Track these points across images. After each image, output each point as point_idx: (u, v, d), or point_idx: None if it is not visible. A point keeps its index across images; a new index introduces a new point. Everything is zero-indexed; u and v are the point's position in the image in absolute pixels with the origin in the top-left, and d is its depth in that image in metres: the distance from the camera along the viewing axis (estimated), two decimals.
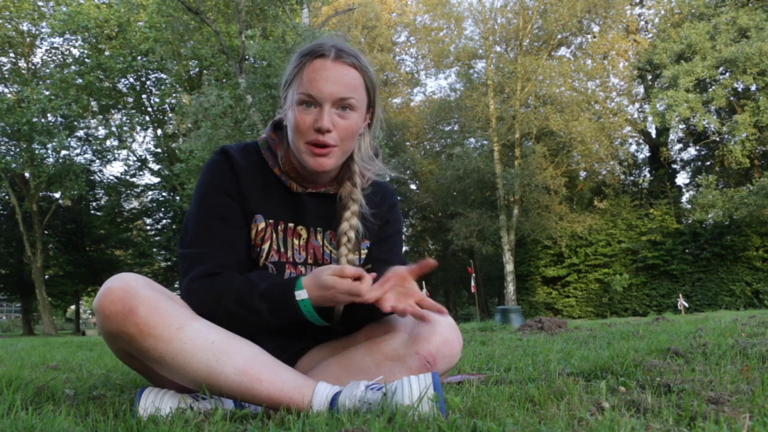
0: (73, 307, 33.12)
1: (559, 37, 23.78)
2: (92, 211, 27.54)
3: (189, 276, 1.40)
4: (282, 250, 1.52)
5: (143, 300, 1.24)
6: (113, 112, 23.68)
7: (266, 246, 1.49)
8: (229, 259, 1.44)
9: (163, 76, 22.04)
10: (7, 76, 21.78)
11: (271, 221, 1.51)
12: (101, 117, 22.99)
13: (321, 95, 1.40)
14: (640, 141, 27.16)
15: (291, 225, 1.54)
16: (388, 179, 1.67)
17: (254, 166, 1.51)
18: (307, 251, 1.54)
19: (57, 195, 23.60)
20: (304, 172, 1.52)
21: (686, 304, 17.08)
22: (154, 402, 1.29)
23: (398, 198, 1.70)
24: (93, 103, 22.07)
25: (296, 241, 1.54)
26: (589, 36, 24.67)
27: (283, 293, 1.36)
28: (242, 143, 1.55)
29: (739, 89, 21.47)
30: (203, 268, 1.40)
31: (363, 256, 1.60)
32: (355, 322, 1.56)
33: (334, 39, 1.49)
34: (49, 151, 20.69)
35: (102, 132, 23.15)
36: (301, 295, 1.35)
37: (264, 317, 1.36)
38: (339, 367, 1.45)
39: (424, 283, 15.08)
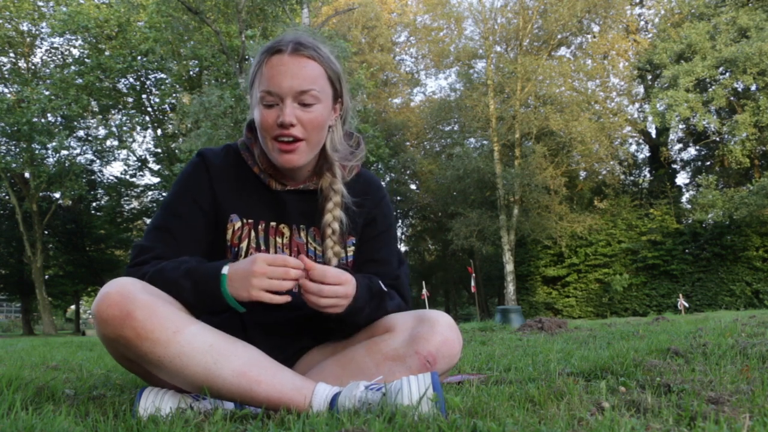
0: (73, 307, 33.11)
1: (559, 37, 23.77)
2: (92, 211, 27.52)
3: (128, 264, 1.45)
4: (263, 247, 1.51)
5: (140, 304, 1.24)
6: (113, 112, 23.67)
7: (244, 245, 1.50)
8: (171, 254, 1.45)
9: (163, 76, 22.03)
10: (7, 76, 21.77)
11: (249, 221, 1.51)
12: (101, 117, 22.98)
13: (280, 90, 1.40)
14: (640, 141, 27.16)
15: (273, 224, 1.54)
16: (364, 156, 1.65)
17: (232, 167, 1.52)
18: (290, 249, 1.54)
19: (57, 195, 23.58)
20: (285, 169, 1.52)
21: (686, 304, 17.08)
22: (155, 402, 1.29)
23: (387, 194, 1.68)
24: (93, 103, 22.06)
25: (279, 240, 1.53)
26: (589, 36, 24.67)
27: (210, 268, 1.35)
28: (224, 145, 1.57)
29: (739, 89, 21.46)
30: (142, 258, 1.43)
31: (350, 254, 1.58)
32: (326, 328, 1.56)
33: (297, 33, 1.49)
34: (49, 151, 20.69)
35: (102, 132, 23.15)
36: (224, 269, 1.33)
37: (185, 295, 1.34)
38: (338, 366, 1.44)
39: (424, 283, 15.09)
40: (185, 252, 1.45)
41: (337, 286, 1.32)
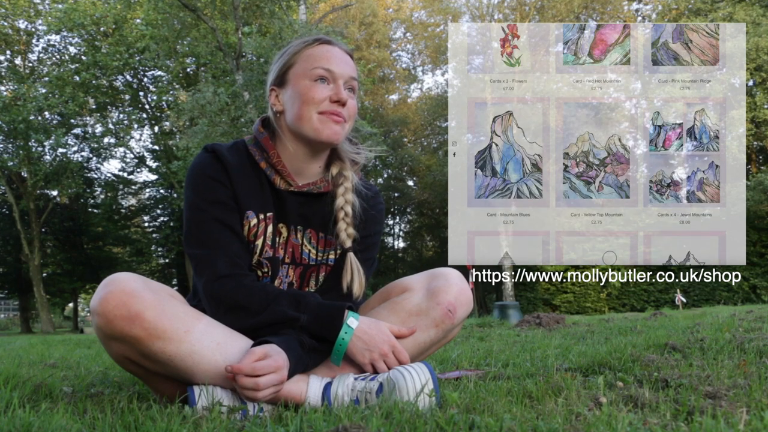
0: (71, 305, 33.04)
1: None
2: (90, 209, 27.44)
3: (203, 279, 1.41)
4: (276, 246, 1.52)
5: (149, 304, 1.26)
6: (110, 109, 23.60)
7: (259, 242, 1.50)
8: (236, 256, 1.44)
9: (160, 73, 21.96)
10: (3, 73, 21.68)
11: (266, 216, 1.51)
12: (98, 114, 22.91)
13: (339, 71, 1.48)
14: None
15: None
16: (373, 158, 1.69)
17: (243, 163, 1.52)
18: (285, 250, 1.54)
19: (54, 193, 23.52)
20: (299, 162, 1.52)
21: (684, 300, 17.09)
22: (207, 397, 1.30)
23: (383, 203, 1.72)
24: (90, 101, 21.99)
25: (277, 239, 1.54)
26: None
27: (333, 310, 1.40)
28: (230, 142, 1.56)
29: (736, 85, 21.47)
30: (213, 271, 1.41)
31: (331, 257, 1.59)
32: None
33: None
34: (46, 149, 20.62)
35: (99, 129, 23.07)
36: (352, 322, 1.39)
37: (299, 324, 1.38)
38: None
39: None
40: (242, 250, 1.47)
41: (270, 376, 1.24)
